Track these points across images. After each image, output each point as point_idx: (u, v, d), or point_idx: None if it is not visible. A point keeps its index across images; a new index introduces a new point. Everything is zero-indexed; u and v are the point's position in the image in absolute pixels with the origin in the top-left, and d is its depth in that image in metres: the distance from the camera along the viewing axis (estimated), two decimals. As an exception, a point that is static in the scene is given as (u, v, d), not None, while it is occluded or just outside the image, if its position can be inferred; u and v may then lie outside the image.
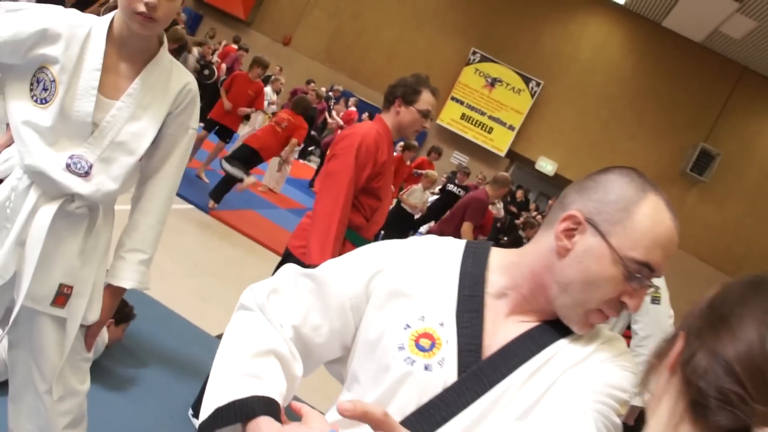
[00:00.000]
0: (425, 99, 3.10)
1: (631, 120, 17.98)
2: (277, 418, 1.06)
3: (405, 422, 1.11)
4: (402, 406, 1.15)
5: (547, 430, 1.01)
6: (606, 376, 1.12)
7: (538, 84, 18.62)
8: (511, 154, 19.09)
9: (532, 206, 16.98)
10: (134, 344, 3.64)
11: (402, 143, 10.00)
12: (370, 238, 3.16)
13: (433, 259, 1.26)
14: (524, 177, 19.52)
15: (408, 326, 1.18)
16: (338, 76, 19.00)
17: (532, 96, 18.72)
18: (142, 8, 1.69)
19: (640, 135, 17.85)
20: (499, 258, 1.27)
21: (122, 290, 1.97)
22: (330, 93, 16.53)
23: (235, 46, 15.28)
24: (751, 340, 0.67)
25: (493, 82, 18.85)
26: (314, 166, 15.16)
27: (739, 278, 0.77)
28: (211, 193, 7.58)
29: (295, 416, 1.02)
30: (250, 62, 9.30)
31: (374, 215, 3.15)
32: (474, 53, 18.85)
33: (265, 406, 1.07)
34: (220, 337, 2.35)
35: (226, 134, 8.95)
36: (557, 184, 18.11)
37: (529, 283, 1.22)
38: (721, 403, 0.69)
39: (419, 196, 8.92)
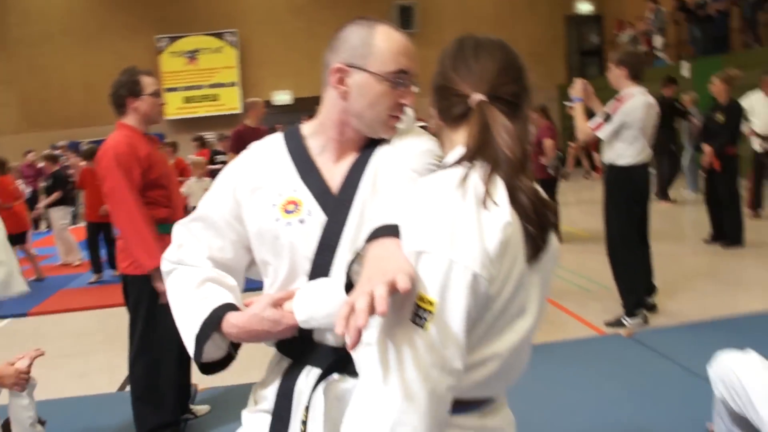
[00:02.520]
0: (147, 82, 3.35)
1: (324, 13, 18.84)
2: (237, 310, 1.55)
3: (313, 261, 1.55)
4: (304, 254, 1.54)
5: (394, 199, 1.40)
6: (419, 147, 1.59)
7: (232, 33, 18.98)
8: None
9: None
10: None
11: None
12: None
13: (265, 155, 1.67)
14: (270, 117, 19.95)
15: (274, 204, 1.58)
16: (53, 134, 18.18)
17: (234, 46, 19.07)
18: None
19: (334, 20, 18.73)
20: (308, 128, 1.68)
21: None
22: (57, 152, 15.88)
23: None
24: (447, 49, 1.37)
25: (192, 55, 18.97)
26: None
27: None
28: None
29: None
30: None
31: (170, 202, 3.42)
32: (160, 40, 18.79)
33: (224, 308, 1.56)
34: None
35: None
36: (303, 106, 18.77)
37: (336, 129, 1.60)
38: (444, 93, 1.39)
39: (195, 187, 8.90)
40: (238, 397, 3.84)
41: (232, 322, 1.52)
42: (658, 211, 10.67)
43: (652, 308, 5.11)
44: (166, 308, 3.30)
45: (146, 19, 18.60)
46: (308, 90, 18.78)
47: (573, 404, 3.47)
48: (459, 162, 1.26)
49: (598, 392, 3.62)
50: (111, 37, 18.55)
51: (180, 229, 1.71)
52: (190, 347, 1.57)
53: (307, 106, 13.94)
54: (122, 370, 4.85)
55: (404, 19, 18.84)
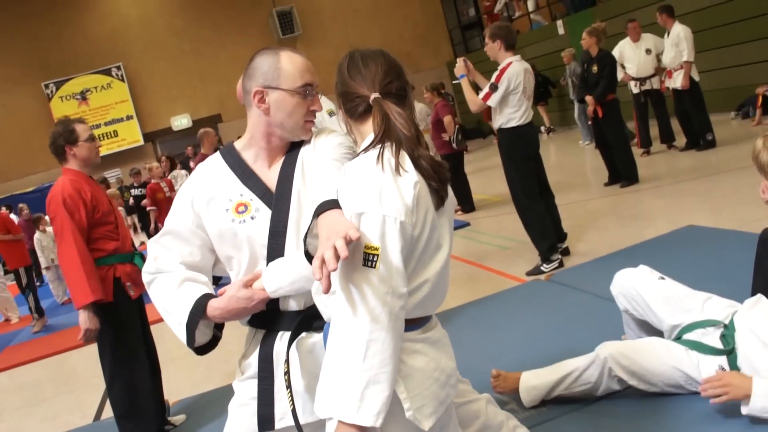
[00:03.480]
0: (81, 129, 3.64)
1: (206, 32, 18.88)
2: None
3: (267, 246, 1.93)
4: (260, 242, 1.93)
5: (326, 183, 1.79)
6: (333, 141, 2.01)
7: (118, 67, 18.80)
8: (149, 136, 19.37)
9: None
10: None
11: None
12: (130, 249, 3.77)
13: (210, 171, 2.06)
14: (175, 144, 19.93)
15: (227, 209, 1.98)
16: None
17: (122, 79, 18.90)
18: None
19: (217, 38, 18.82)
20: (240, 143, 2.08)
21: None
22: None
23: None
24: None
25: (83, 96, 18.72)
26: None
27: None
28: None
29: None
30: None
31: (118, 235, 3.67)
32: (47, 86, 18.48)
33: (205, 297, 1.93)
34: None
35: None
36: (204, 127, 18.76)
37: (265, 139, 2.00)
38: (348, 97, 1.78)
39: None
40: (208, 402, 4.14)
41: (214, 306, 1.89)
42: (562, 164, 11.33)
43: (566, 252, 5.62)
44: (129, 329, 3.58)
45: (29, 68, 18.24)
46: (206, 110, 18.90)
47: (506, 344, 3.89)
48: (371, 146, 1.67)
49: (526, 331, 4.06)
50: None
51: (152, 245, 2.04)
52: (183, 336, 1.92)
53: (206, 127, 13.97)
54: (92, 404, 5.08)
55: (285, 24, 19.09)
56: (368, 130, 1.76)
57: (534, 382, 3.02)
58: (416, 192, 1.59)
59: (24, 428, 5.03)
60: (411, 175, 1.61)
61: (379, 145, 1.66)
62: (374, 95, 1.74)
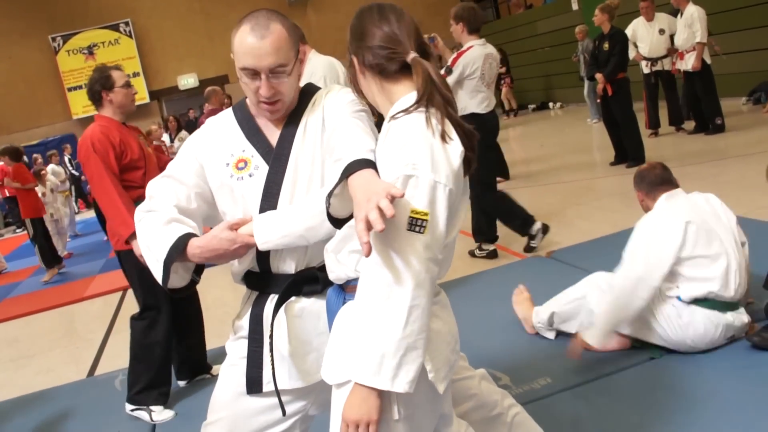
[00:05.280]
0: (118, 75, 3.71)
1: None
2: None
3: (260, 207, 1.89)
4: (253, 202, 1.88)
5: (349, 141, 1.68)
6: (345, 98, 1.93)
7: (126, 23, 18.65)
8: (155, 94, 19.27)
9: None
10: None
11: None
12: None
13: (218, 125, 2.04)
14: (181, 104, 19.86)
15: (227, 164, 1.94)
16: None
17: (130, 36, 18.76)
18: None
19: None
20: (250, 101, 2.02)
21: None
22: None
23: None
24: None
25: (90, 51, 18.58)
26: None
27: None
28: None
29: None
30: None
31: (146, 180, 3.65)
32: (54, 39, 18.34)
33: (188, 235, 1.86)
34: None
35: None
36: (212, 85, 18.66)
37: (254, 106, 1.94)
38: (379, 54, 1.69)
39: None
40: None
41: (195, 244, 1.82)
42: (568, 142, 11.26)
43: (546, 230, 5.45)
44: (151, 276, 3.58)
45: (36, 21, 18.09)
46: (213, 70, 18.75)
47: (502, 319, 3.90)
48: (414, 108, 1.59)
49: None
50: (3, 43, 18.03)
51: (151, 184, 2.01)
52: (158, 273, 1.86)
53: (219, 83, 13.93)
54: (87, 359, 5.10)
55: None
56: (398, 91, 1.69)
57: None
58: (460, 161, 1.57)
59: (17, 380, 5.05)
60: (456, 143, 1.58)
61: (423, 108, 1.59)
62: (412, 54, 1.65)
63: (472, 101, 5.09)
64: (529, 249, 5.35)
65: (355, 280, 1.64)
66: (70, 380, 4.68)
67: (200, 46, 19.04)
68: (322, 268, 1.85)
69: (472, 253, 5.50)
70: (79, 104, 18.15)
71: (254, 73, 1.84)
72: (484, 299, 4.32)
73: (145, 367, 3.68)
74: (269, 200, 1.89)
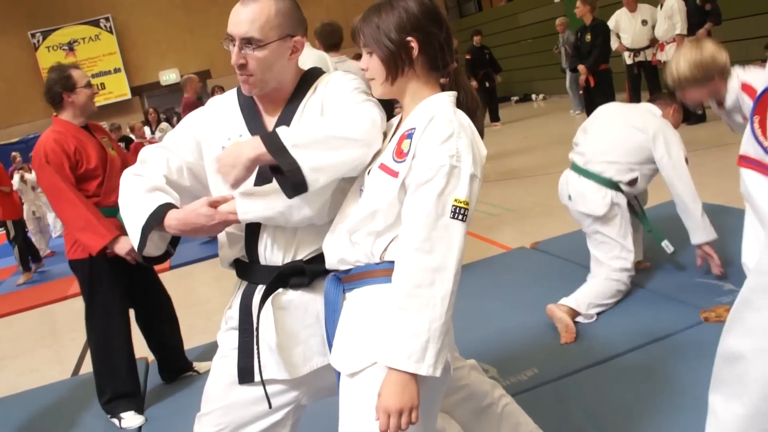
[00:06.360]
0: (79, 75, 3.54)
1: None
2: None
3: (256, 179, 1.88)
4: (246, 185, 1.83)
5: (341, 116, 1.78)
6: (347, 86, 1.92)
7: (107, 19, 18.52)
8: (137, 90, 19.15)
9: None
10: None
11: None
12: (115, 202, 3.56)
13: (220, 106, 2.03)
14: (162, 99, 19.72)
15: (223, 147, 1.90)
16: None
17: (110, 31, 18.63)
18: None
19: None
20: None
21: None
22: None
23: None
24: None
25: (70, 47, 18.43)
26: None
27: None
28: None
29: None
30: None
31: (102, 189, 3.51)
32: (34, 35, 18.17)
33: (167, 206, 1.87)
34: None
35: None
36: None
37: (266, 88, 1.93)
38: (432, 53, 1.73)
39: None
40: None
41: (173, 216, 1.83)
42: (551, 133, 11.29)
43: None
44: (103, 286, 3.51)
45: (15, 17, 17.94)
46: (194, 65, 18.61)
47: (489, 311, 3.92)
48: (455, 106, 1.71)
49: (509, 297, 4.10)
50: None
51: (147, 149, 2.02)
52: (135, 239, 1.87)
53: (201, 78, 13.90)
54: (71, 359, 5.06)
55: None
56: (427, 89, 1.73)
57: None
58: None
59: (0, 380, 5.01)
60: (482, 144, 1.70)
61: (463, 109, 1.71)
62: (454, 65, 1.73)
63: None
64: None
65: (358, 268, 1.69)
66: (54, 380, 4.64)
67: (182, 41, 18.94)
68: (310, 261, 1.87)
69: None
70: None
71: (231, 39, 1.83)
72: (469, 291, 4.31)
73: (108, 380, 3.59)
74: (261, 185, 1.87)
